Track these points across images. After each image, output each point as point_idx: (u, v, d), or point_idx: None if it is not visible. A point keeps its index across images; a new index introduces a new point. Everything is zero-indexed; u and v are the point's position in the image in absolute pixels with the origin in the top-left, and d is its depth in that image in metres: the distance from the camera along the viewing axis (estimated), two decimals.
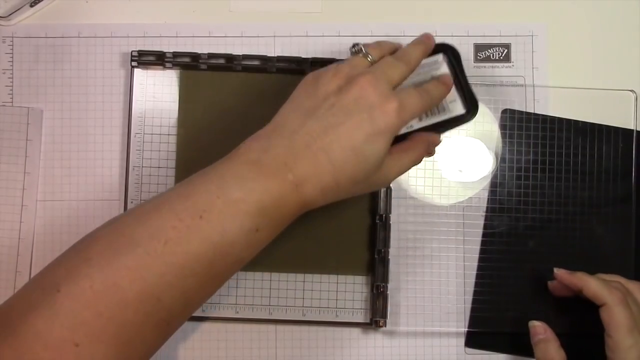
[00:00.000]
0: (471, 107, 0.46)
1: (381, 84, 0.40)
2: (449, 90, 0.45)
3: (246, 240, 0.38)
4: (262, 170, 0.38)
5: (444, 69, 0.46)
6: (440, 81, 0.44)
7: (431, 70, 0.47)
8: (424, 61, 0.45)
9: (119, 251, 0.35)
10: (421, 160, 0.44)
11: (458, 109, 0.46)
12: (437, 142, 0.45)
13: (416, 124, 0.44)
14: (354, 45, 0.43)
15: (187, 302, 0.38)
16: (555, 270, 0.48)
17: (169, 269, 0.36)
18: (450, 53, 0.47)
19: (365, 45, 0.43)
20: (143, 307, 0.35)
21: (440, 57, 0.47)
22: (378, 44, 0.44)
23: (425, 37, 0.45)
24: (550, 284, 0.49)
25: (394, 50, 0.45)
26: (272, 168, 0.38)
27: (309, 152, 0.39)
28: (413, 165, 0.43)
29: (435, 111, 0.46)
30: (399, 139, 0.43)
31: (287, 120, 0.40)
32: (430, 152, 0.45)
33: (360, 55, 0.42)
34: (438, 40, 0.45)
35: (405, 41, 0.52)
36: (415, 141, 0.43)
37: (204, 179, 0.38)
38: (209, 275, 0.37)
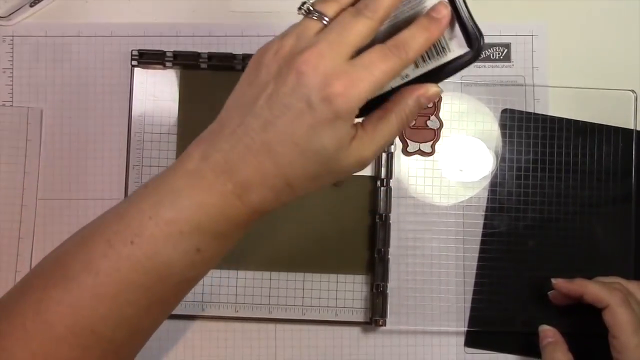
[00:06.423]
0: (475, 42, 0.34)
1: (326, 59, 0.31)
2: (440, 32, 0.33)
3: (186, 261, 0.34)
4: (198, 183, 0.33)
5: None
6: (428, 19, 0.33)
7: (418, 4, 0.35)
8: None
9: (53, 285, 0.33)
10: (408, 124, 0.35)
11: (459, 47, 0.35)
12: (433, 94, 0.35)
13: (412, 72, 0.35)
14: (300, 6, 0.33)
15: (131, 330, 0.35)
16: (553, 280, 0.48)
17: (100, 301, 0.33)
18: None
19: (315, 1, 0.33)
20: (78, 341, 0.33)
21: None
22: None
23: None
24: (550, 294, 0.49)
25: None
26: (210, 179, 0.33)
27: (249, 155, 0.33)
28: (396, 134, 0.36)
29: (433, 54, 0.35)
30: (388, 94, 0.35)
31: (228, 118, 0.34)
32: (422, 106, 0.35)
33: (311, 17, 0.33)
34: None
35: None
36: (395, 103, 0.34)
37: (142, 195, 0.35)
38: (148, 301, 0.34)
